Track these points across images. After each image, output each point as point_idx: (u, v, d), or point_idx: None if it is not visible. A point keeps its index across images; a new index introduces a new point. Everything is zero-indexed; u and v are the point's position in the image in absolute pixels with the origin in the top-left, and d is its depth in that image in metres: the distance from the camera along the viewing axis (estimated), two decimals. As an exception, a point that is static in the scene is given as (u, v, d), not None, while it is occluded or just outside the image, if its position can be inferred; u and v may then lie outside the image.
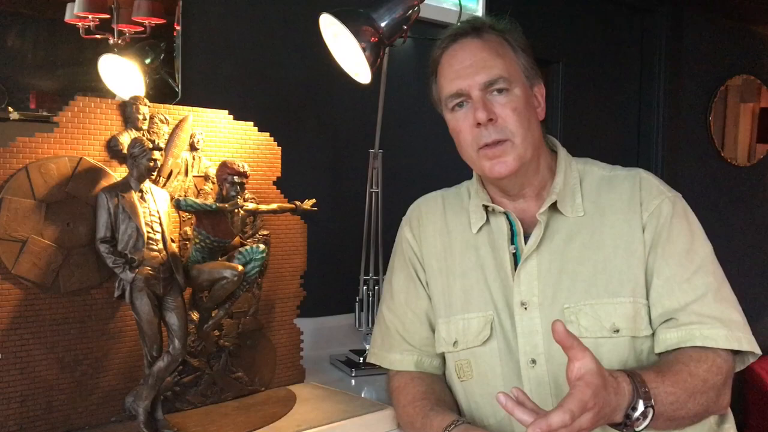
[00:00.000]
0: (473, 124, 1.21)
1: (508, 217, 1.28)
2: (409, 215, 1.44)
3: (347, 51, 1.60)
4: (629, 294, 1.19)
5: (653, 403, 1.05)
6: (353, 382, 1.67)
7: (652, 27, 3.37)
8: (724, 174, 3.74)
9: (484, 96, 1.20)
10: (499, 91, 1.20)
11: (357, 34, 1.52)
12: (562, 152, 1.32)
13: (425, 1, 1.65)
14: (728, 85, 3.73)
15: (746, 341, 1.17)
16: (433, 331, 1.35)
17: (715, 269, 1.22)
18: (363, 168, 1.84)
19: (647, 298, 1.20)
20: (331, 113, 2.11)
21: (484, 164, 1.23)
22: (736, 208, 3.78)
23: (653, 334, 1.20)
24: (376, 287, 1.81)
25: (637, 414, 1.05)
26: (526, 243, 1.24)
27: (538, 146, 1.26)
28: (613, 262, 1.21)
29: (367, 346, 1.73)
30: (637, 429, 1.06)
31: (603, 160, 1.35)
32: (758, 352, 1.18)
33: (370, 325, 1.79)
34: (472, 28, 1.25)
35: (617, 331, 1.18)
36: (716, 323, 1.15)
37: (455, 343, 1.29)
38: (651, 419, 1.05)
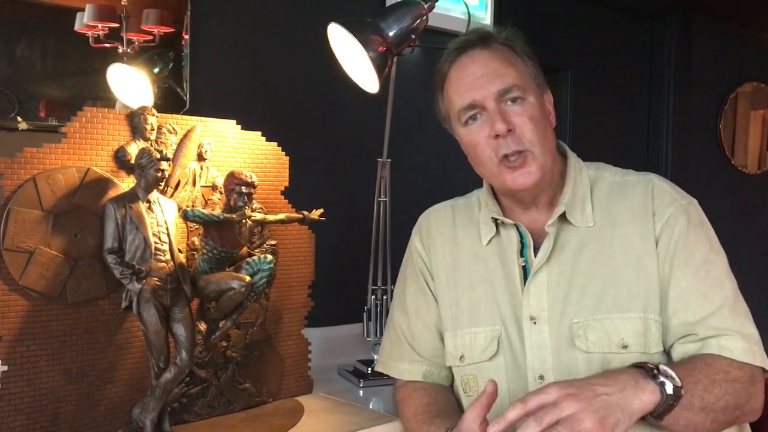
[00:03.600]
0: (491, 136, 1.18)
1: (518, 229, 1.26)
2: (419, 226, 1.42)
3: (355, 60, 1.60)
4: (639, 309, 1.16)
5: (673, 377, 1.02)
6: (361, 392, 1.66)
7: (662, 34, 3.36)
8: (734, 181, 3.71)
9: (500, 106, 1.18)
10: (514, 100, 1.18)
11: (365, 43, 1.52)
12: (573, 158, 1.29)
13: (434, 10, 1.64)
14: (738, 92, 3.71)
15: (759, 356, 1.15)
16: (443, 342, 1.34)
17: (731, 281, 1.19)
18: (371, 177, 1.83)
19: (660, 314, 1.17)
20: (339, 123, 2.11)
21: (506, 177, 1.19)
22: (746, 215, 3.75)
23: (664, 352, 1.18)
24: (385, 297, 1.80)
25: (661, 379, 1.01)
26: (536, 255, 1.22)
27: (554, 154, 1.24)
28: (623, 275, 1.18)
29: (376, 357, 1.72)
30: (667, 395, 1.00)
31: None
32: None
33: (378, 335, 1.77)
34: (479, 39, 1.22)
35: (626, 347, 1.16)
36: (735, 335, 1.14)
37: (462, 357, 1.28)
38: (677, 388, 1.01)
